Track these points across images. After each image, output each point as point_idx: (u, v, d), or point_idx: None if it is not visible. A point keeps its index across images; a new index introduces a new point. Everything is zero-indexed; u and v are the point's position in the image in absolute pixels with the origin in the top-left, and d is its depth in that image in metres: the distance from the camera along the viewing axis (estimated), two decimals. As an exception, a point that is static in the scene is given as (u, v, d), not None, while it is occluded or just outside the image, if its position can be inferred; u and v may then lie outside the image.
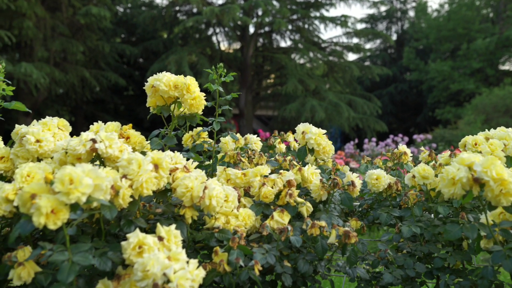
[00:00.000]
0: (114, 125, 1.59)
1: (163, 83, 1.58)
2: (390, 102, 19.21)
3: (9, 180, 1.47)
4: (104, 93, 15.96)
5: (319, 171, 1.69)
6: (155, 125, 18.58)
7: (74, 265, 1.04)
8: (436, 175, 1.70)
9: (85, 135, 1.35)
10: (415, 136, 9.16)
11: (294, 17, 16.43)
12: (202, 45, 16.18)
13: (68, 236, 1.09)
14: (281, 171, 1.62)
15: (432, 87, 17.90)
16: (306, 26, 16.67)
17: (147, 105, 1.70)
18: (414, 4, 20.27)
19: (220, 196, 1.34)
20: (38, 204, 1.00)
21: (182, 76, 1.62)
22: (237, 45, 17.03)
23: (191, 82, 1.61)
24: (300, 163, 1.91)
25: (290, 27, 16.33)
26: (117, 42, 16.09)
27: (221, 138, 2.15)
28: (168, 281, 1.07)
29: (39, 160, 1.44)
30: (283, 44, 17.76)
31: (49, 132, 1.46)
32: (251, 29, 16.49)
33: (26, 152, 1.42)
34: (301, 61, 16.26)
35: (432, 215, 1.71)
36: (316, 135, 1.80)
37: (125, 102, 17.63)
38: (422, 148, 2.07)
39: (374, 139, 10.75)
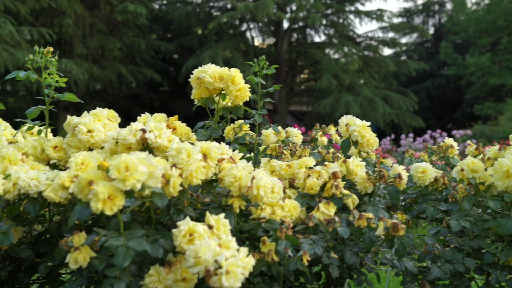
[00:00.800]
0: (161, 116, 1.62)
1: (208, 74, 1.59)
2: (426, 98, 18.82)
3: (61, 168, 1.51)
4: (140, 89, 16.22)
5: (364, 163, 1.67)
6: (190, 119, 18.76)
7: (129, 250, 1.06)
8: (485, 169, 1.65)
9: (135, 125, 1.38)
10: (454, 132, 8.96)
11: (329, 11, 16.28)
12: (236, 41, 16.23)
13: (122, 222, 1.12)
14: (326, 163, 1.62)
15: (470, 82, 17.43)
16: (341, 20, 16.49)
17: (192, 97, 1.72)
18: (452, -4, 19.82)
19: (267, 186, 1.34)
20: (96, 190, 1.02)
21: (226, 68, 1.64)
22: (271, 41, 17.01)
23: (236, 74, 1.62)
24: (342, 156, 1.89)
25: (324, 21, 16.19)
26: (153, 38, 16.31)
27: (263, 131, 2.16)
28: (219, 267, 1.08)
29: (90, 149, 1.48)
30: (317, 39, 17.64)
31: (100, 122, 1.49)
32: (285, 24, 16.43)
33: (78, 142, 1.46)
34: (336, 56, 16.11)
35: (481, 209, 1.67)
36: (361, 127, 1.78)
37: (160, 97, 17.88)
38: (468, 142, 2.02)
39: (411, 135, 10.56)
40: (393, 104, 14.97)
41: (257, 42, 17.15)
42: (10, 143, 1.74)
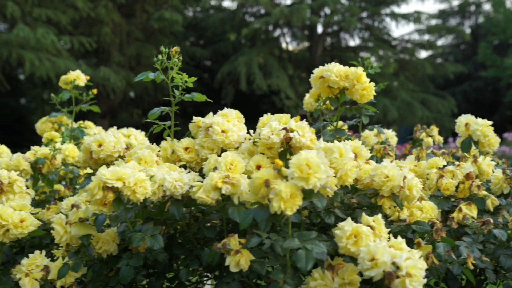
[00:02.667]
0: (287, 116, 1.58)
1: (333, 73, 1.55)
2: (464, 101, 18.42)
3: (194, 170, 1.49)
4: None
5: (494, 163, 1.61)
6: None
7: (309, 252, 1.02)
8: None
9: (275, 125, 1.35)
10: (505, 135, 8.70)
11: (364, 14, 16.13)
12: (270, 46, 16.21)
13: (291, 223, 1.08)
14: (457, 162, 1.55)
15: (510, 84, 17.00)
16: (376, 23, 16.33)
17: (309, 97, 1.69)
18: (489, -3, 19.41)
19: (419, 186, 1.29)
20: (278, 189, 0.99)
21: (352, 67, 1.59)
22: (305, 45, 16.95)
23: (361, 72, 1.57)
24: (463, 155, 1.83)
25: (359, 25, 16.04)
26: (187, 45, 16.44)
27: (363, 132, 2.11)
28: (398, 269, 1.03)
29: (222, 150, 1.45)
30: (351, 43, 17.50)
31: (230, 123, 1.47)
32: (319, 29, 16.36)
33: (212, 142, 1.43)
34: (372, 59, 15.92)
35: None
36: (483, 126, 1.71)
37: (193, 103, 17.90)
38: None
39: (451, 139, 10.33)
40: (431, 107, 14.71)
41: (291, 47, 17.11)
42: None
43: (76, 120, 2.33)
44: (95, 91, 2.25)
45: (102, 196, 1.21)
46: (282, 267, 1.18)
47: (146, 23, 14.54)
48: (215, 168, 1.28)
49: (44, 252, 1.39)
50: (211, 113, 1.55)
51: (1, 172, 1.53)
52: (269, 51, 15.99)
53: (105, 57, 14.21)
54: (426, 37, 17.05)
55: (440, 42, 19.71)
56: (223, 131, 1.43)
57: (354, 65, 1.68)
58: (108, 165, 1.74)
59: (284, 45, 16.73)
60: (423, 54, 20.74)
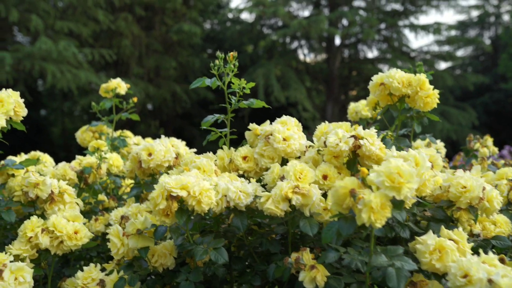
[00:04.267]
0: (347, 125, 1.51)
1: (396, 79, 1.49)
2: (484, 113, 18.15)
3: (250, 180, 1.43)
4: (191, 107, 16.39)
5: None
6: (241, 137, 18.81)
7: (400, 270, 0.95)
8: None
9: (341, 133, 1.28)
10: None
11: (382, 26, 16.06)
12: (288, 58, 16.20)
13: (374, 238, 1.01)
14: (528, 173, 1.47)
15: (531, 96, 16.75)
16: (394, 35, 16.24)
17: (366, 105, 1.62)
18: (508, 8, 19.19)
19: (499, 198, 1.21)
20: (367, 199, 0.92)
21: (413, 74, 1.53)
22: (322, 57, 16.90)
23: (425, 79, 1.51)
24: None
25: (377, 36, 15.96)
26: (205, 57, 16.50)
27: (415, 143, 2.04)
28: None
29: (283, 160, 1.39)
30: (369, 54, 17.39)
31: (291, 130, 1.41)
32: (337, 40, 16.31)
33: (273, 151, 1.37)
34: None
35: None
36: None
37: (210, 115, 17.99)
38: None
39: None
40: (451, 119, 14.53)
41: (309, 59, 17.09)
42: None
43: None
44: (135, 99, 2.21)
45: (166, 206, 1.15)
46: (358, 284, 1.11)
47: (165, 35, 14.63)
48: (282, 178, 1.21)
49: (98, 266, 1.34)
50: (268, 121, 1.49)
51: (52, 181, 1.49)
52: (287, 63, 15.97)
53: (124, 69, 14.30)
54: (446, 48, 16.91)
55: (459, 53, 19.52)
56: (284, 139, 1.36)
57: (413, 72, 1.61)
58: (154, 175, 1.69)
59: (301, 57, 16.70)
60: (442, 65, 20.54)
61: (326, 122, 1.56)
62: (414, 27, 15.00)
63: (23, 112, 1.46)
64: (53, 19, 11.36)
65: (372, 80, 1.56)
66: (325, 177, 1.25)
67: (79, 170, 1.77)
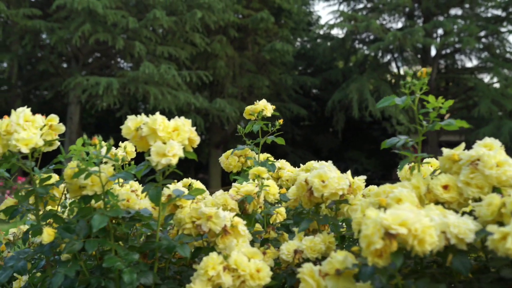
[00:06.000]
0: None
1: None
2: None
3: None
4: (284, 124, 16.40)
5: None
6: (333, 153, 18.53)
7: None
8: None
9: None
10: None
11: (481, 34, 15.16)
12: (381, 71, 15.78)
13: None
14: None
15: None
16: (496, 42, 15.26)
17: None
18: None
19: None
20: None
21: None
22: (417, 69, 16.25)
23: None
24: None
25: (477, 45, 15.07)
26: (296, 74, 16.49)
27: None
28: None
29: (494, 189, 1.20)
30: (468, 64, 16.53)
31: (502, 155, 1.22)
32: (433, 51, 15.62)
33: (483, 179, 1.19)
34: (494, 80, 14.84)
35: None
36: None
37: (302, 132, 17.92)
38: None
39: None
40: None
41: (402, 71, 16.50)
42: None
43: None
44: (281, 121, 2.12)
45: (383, 245, 1.01)
46: None
47: (257, 54, 14.83)
48: (515, 213, 1.03)
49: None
50: (463, 144, 1.31)
51: (224, 213, 1.41)
52: (380, 76, 15.54)
53: (219, 89, 14.67)
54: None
55: None
56: (497, 165, 1.18)
57: None
58: (319, 204, 1.57)
59: (396, 70, 16.18)
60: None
61: None
62: (520, 33, 13.99)
63: (197, 140, 1.40)
64: (154, 44, 11.91)
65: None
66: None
67: (239, 199, 1.69)
